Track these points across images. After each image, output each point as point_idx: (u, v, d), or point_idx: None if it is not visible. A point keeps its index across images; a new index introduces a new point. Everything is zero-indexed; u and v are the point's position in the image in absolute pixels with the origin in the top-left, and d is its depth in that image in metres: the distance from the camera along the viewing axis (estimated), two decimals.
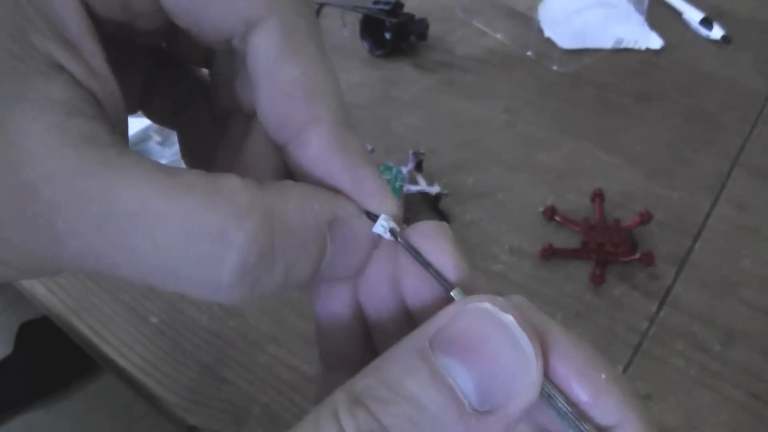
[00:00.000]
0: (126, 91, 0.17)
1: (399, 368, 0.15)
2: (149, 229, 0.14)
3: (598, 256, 0.52)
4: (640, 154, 0.63)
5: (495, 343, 0.16)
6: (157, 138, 0.68)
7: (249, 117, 0.20)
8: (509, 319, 0.16)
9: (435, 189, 0.57)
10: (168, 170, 0.15)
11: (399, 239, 0.18)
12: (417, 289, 0.18)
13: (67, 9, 0.15)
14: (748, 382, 0.44)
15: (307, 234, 0.16)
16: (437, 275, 0.18)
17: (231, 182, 0.15)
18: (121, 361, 0.49)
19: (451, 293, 0.17)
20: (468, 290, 0.18)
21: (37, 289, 0.54)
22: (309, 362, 0.48)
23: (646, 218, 0.54)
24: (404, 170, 0.57)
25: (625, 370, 0.46)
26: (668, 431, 0.42)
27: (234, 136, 0.20)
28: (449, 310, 0.16)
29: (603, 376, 0.17)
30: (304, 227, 0.16)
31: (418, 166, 0.61)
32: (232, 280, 0.15)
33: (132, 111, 0.21)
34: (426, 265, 0.18)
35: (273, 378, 0.47)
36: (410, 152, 0.60)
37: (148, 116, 0.22)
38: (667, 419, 0.43)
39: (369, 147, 0.59)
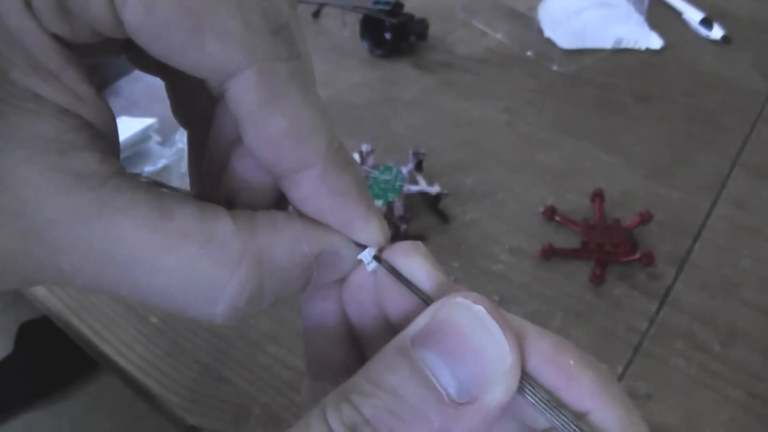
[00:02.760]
0: (106, 41, 0.16)
1: (382, 365, 0.16)
2: (148, 275, 0.16)
3: (598, 256, 0.52)
4: (640, 154, 0.63)
5: (468, 333, 0.16)
6: (157, 138, 0.68)
7: None
8: (479, 309, 0.16)
9: (435, 189, 0.57)
10: (162, 210, 0.16)
11: (382, 264, 0.19)
12: (397, 304, 0.19)
13: (41, 43, 0.15)
14: (748, 382, 0.44)
15: (295, 271, 0.18)
16: (417, 291, 0.18)
17: (223, 228, 0.16)
18: (121, 361, 0.49)
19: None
20: None
21: (37, 289, 0.54)
22: None
23: (646, 218, 0.54)
24: (404, 170, 0.57)
25: (625, 370, 0.46)
26: (668, 431, 0.42)
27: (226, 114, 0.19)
28: (428, 311, 0.17)
29: (571, 361, 0.17)
30: (292, 267, 0.18)
31: (418, 166, 0.61)
32: (224, 317, 0.17)
33: (115, 55, 0.20)
34: (406, 282, 0.18)
35: (273, 378, 0.47)
36: (410, 152, 0.60)
37: (132, 62, 0.20)
38: (667, 419, 0.43)
39: (369, 147, 0.59)
